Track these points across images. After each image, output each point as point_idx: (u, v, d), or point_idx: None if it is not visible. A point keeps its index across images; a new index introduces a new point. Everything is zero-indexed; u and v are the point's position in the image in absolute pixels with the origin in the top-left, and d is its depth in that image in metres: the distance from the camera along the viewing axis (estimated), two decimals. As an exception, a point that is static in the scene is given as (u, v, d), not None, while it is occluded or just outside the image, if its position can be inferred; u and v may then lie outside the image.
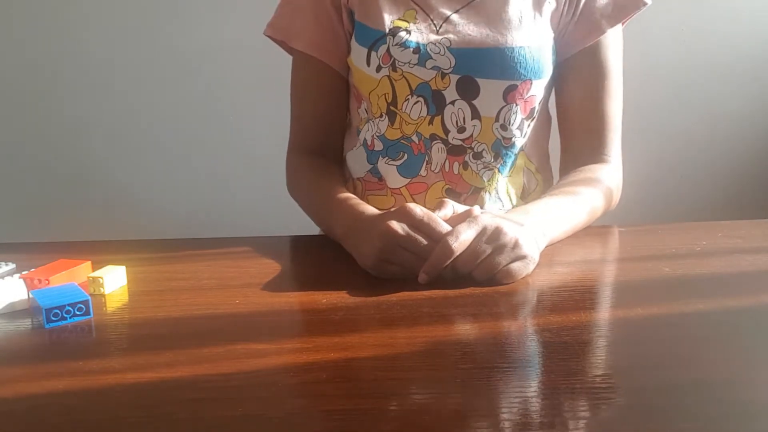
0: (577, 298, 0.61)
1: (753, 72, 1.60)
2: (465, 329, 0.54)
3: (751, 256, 0.71)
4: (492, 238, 0.63)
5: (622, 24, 0.89)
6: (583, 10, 0.86)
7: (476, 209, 0.68)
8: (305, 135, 0.94)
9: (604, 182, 0.85)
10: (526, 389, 0.43)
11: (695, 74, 1.60)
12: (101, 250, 0.79)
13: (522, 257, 0.65)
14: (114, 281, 0.65)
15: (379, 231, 0.65)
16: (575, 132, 0.90)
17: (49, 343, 0.53)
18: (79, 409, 0.42)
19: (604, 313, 0.58)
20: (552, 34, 0.86)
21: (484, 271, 0.64)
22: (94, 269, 0.66)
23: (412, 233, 0.65)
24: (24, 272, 0.64)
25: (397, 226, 0.65)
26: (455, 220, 0.67)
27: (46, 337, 0.54)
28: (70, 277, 0.64)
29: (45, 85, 1.57)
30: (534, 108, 0.86)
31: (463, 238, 0.63)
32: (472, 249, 0.63)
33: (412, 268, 0.64)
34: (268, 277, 0.68)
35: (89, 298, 0.58)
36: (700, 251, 0.74)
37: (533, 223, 0.70)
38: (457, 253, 0.63)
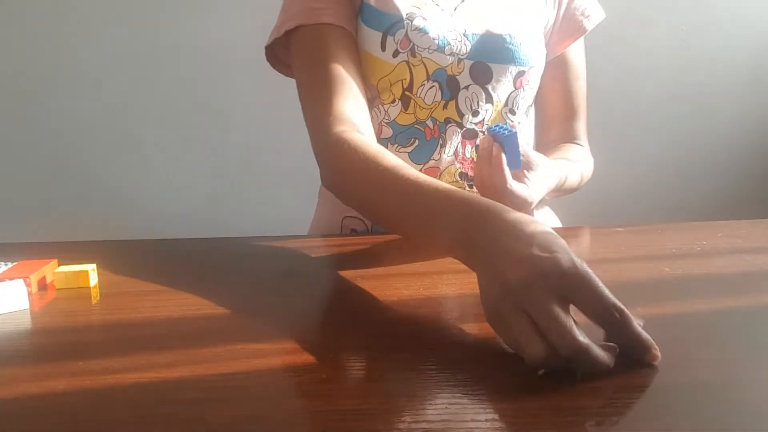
0: (577, 298, 0.61)
1: (753, 72, 1.60)
2: (466, 330, 0.54)
3: (751, 256, 0.71)
4: None
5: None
6: (565, 12, 0.93)
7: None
8: (342, 111, 0.76)
9: (586, 158, 0.97)
10: (526, 389, 0.43)
11: (695, 74, 1.60)
12: (100, 250, 0.79)
13: None
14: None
15: (544, 268, 0.43)
16: (552, 124, 0.98)
17: (49, 343, 0.53)
18: (79, 409, 0.42)
19: (604, 313, 0.58)
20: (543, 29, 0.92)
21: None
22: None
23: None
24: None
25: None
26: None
27: (46, 337, 0.54)
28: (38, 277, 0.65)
29: (43, 86, 1.57)
30: (534, 95, 0.92)
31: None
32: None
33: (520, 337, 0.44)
34: (268, 277, 0.68)
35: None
36: (700, 251, 0.74)
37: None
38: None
